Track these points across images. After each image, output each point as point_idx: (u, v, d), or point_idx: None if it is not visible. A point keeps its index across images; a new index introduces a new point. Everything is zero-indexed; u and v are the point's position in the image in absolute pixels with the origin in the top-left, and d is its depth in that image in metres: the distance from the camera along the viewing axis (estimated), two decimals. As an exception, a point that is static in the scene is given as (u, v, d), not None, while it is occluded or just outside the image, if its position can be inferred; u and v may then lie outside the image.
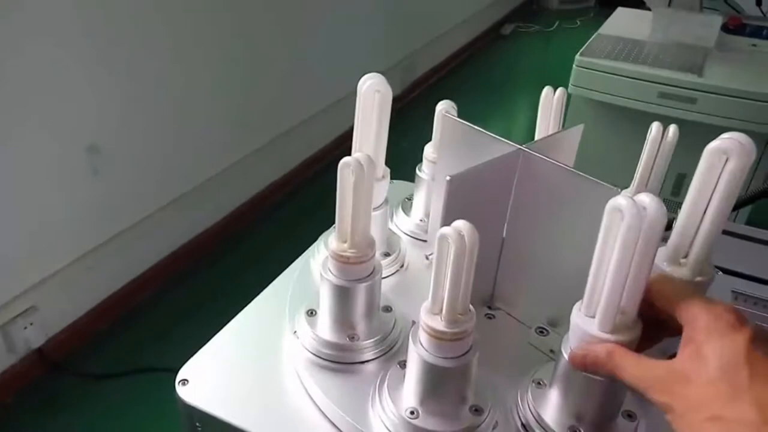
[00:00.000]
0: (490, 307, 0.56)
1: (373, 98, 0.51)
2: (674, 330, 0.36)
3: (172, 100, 1.71)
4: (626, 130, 1.62)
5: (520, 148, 0.47)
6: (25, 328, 1.47)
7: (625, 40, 1.81)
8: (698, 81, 1.57)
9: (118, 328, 1.69)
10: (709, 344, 0.33)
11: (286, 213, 2.17)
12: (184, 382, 0.50)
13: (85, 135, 1.48)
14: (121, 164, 1.60)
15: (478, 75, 3.49)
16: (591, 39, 1.83)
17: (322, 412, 0.47)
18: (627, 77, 1.64)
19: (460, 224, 0.38)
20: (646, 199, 0.35)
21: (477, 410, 0.43)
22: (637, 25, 1.90)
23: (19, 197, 1.38)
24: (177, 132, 1.76)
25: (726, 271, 0.69)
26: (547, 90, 0.56)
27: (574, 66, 1.71)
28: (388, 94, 0.51)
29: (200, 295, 1.81)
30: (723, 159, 0.39)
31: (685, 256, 0.44)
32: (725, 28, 1.80)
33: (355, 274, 0.47)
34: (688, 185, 0.41)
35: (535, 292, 0.52)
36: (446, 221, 0.40)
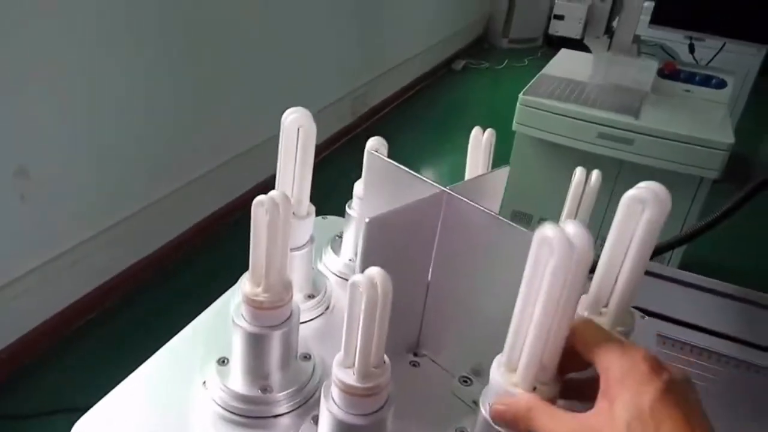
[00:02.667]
0: (416, 354, 0.54)
1: (295, 133, 0.49)
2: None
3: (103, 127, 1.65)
4: (567, 169, 1.65)
5: (444, 190, 0.46)
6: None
7: (566, 80, 1.86)
8: (635, 123, 1.62)
9: (43, 363, 1.58)
10: (620, 398, 0.33)
11: (225, 246, 2.09)
12: (79, 437, 0.45)
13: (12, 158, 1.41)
14: (49, 190, 1.52)
15: (429, 108, 3.54)
16: (534, 78, 1.87)
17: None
18: (567, 116, 1.68)
19: (374, 272, 0.36)
20: (572, 229, 0.33)
21: (392, 468, 0.40)
22: (579, 66, 1.97)
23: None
24: (101, 162, 1.70)
25: (652, 314, 0.69)
26: (476, 131, 0.56)
27: (518, 104, 1.75)
28: (312, 129, 0.49)
29: (133, 327, 1.72)
30: (640, 208, 0.39)
31: (606, 305, 0.43)
32: (661, 73, 1.88)
33: (269, 320, 0.44)
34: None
35: (459, 340, 0.50)
36: (364, 266, 0.37)
